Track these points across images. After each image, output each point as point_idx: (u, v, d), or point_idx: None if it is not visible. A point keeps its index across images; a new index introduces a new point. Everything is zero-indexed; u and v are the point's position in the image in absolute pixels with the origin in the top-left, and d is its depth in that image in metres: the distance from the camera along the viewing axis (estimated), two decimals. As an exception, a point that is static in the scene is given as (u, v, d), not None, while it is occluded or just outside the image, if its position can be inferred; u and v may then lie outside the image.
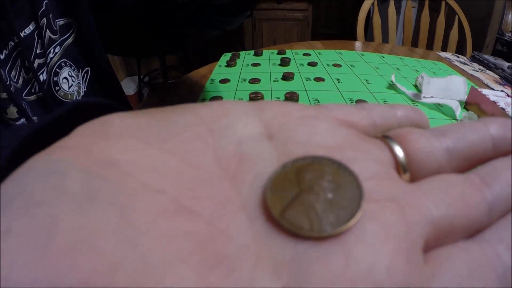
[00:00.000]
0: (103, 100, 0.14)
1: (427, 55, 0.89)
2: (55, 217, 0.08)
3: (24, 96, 0.40)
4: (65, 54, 0.44)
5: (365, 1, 1.20)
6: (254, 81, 0.60)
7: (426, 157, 0.13)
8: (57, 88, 0.43)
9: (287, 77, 0.61)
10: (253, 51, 0.77)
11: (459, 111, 0.52)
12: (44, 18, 0.41)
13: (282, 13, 2.57)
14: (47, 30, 0.42)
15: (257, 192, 0.11)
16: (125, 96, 0.55)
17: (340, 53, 0.78)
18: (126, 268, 0.08)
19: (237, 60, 0.71)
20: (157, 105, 0.13)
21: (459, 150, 0.13)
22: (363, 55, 0.78)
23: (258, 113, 0.13)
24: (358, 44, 0.97)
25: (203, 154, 0.11)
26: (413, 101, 0.55)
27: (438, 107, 0.54)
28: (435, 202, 0.11)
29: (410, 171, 0.13)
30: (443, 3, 1.22)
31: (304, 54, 0.76)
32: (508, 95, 0.55)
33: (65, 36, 0.44)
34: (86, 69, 0.46)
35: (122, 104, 0.52)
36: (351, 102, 0.53)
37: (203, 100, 0.54)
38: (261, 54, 0.75)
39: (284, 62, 0.69)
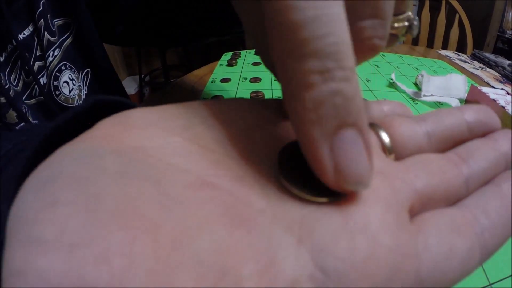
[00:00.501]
0: (121, 98, 0.15)
1: (428, 53, 0.89)
2: (99, 189, 0.09)
3: (24, 99, 0.40)
4: (65, 57, 0.43)
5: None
6: (255, 80, 0.60)
7: (408, 139, 0.14)
8: (57, 92, 0.42)
9: (287, 76, 0.61)
10: (254, 50, 0.77)
11: (459, 109, 0.52)
12: (42, 20, 0.41)
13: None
14: (45, 32, 0.41)
15: (268, 167, 0.13)
16: (127, 95, 0.55)
17: (340, 52, 0.78)
18: (167, 227, 0.09)
19: (238, 59, 0.71)
20: (159, 104, 0.14)
21: (437, 133, 0.15)
22: (363, 53, 0.78)
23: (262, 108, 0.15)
24: (358, 42, 0.97)
25: (218, 141, 0.13)
26: (413, 99, 0.56)
27: (438, 105, 0.54)
28: (417, 175, 0.13)
29: (394, 152, 0.14)
30: (444, 1, 1.22)
31: (305, 53, 0.76)
32: (508, 93, 0.55)
33: (64, 37, 0.43)
34: (86, 70, 0.46)
35: None
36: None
37: (205, 99, 0.55)
38: (262, 53, 0.76)
39: (285, 61, 0.69)
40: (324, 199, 0.11)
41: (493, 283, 0.27)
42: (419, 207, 0.13)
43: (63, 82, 0.43)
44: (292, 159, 0.12)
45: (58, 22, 0.43)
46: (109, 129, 0.12)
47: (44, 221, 0.09)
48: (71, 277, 0.08)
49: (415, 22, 0.15)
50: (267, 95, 0.54)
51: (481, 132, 0.15)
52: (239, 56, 0.74)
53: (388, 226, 0.11)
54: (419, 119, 0.15)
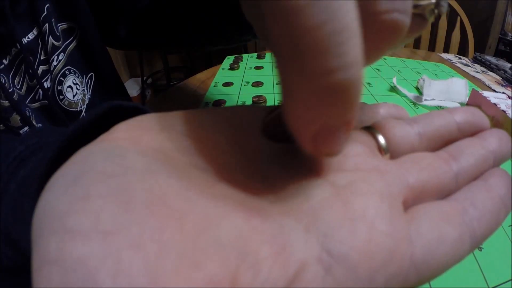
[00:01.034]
0: (135, 103, 0.16)
1: (429, 56, 0.89)
2: (128, 184, 0.10)
3: (28, 103, 0.40)
4: (69, 61, 0.43)
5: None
6: (257, 84, 0.61)
7: (401, 140, 0.16)
8: (61, 97, 0.42)
9: (289, 80, 0.61)
10: (256, 54, 0.78)
11: (460, 114, 0.52)
12: (47, 24, 0.41)
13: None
14: (50, 36, 0.42)
15: (274, 167, 0.14)
16: (130, 99, 0.55)
17: (342, 55, 0.79)
18: (192, 216, 0.10)
19: (240, 63, 0.72)
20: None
21: (428, 133, 0.16)
22: (365, 57, 0.79)
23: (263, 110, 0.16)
24: (360, 46, 0.97)
25: (230, 143, 0.14)
26: (414, 103, 0.56)
27: (440, 109, 0.55)
28: (410, 170, 0.14)
29: (389, 152, 0.16)
30: (445, 4, 1.23)
31: (307, 57, 0.77)
32: (509, 97, 0.55)
33: (68, 41, 0.43)
34: (90, 74, 0.46)
35: None
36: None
37: (207, 103, 0.55)
38: (264, 57, 0.76)
39: (287, 65, 0.69)
40: None
41: (493, 288, 0.28)
42: (412, 200, 0.14)
43: (67, 87, 0.43)
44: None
45: (62, 26, 0.43)
46: (127, 132, 0.13)
47: (78, 212, 0.09)
48: (108, 262, 0.08)
49: None
50: (269, 100, 0.55)
51: (471, 132, 0.16)
52: (241, 60, 0.74)
53: (383, 214, 0.12)
54: (412, 121, 0.16)
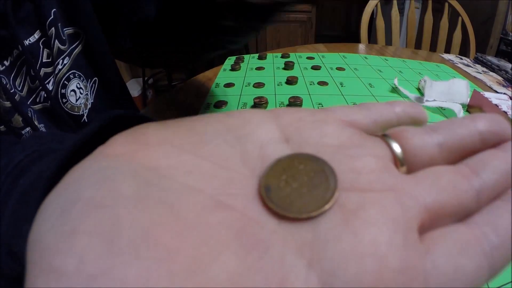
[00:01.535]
0: (135, 112, 0.15)
1: (430, 57, 0.89)
2: (115, 217, 0.10)
3: (30, 104, 0.40)
4: (74, 65, 0.44)
5: (368, 3, 1.20)
6: (259, 85, 0.61)
7: (420, 151, 0.14)
8: (64, 100, 0.43)
9: (291, 81, 0.62)
10: (257, 54, 0.78)
11: (461, 114, 0.52)
12: (53, 28, 0.41)
13: (286, 14, 2.58)
14: (56, 40, 0.42)
15: None
16: (135, 104, 0.55)
17: (343, 56, 0.79)
18: (181, 256, 0.10)
19: (241, 64, 0.72)
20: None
21: (449, 144, 0.15)
22: (366, 58, 0.79)
23: (274, 120, 0.15)
24: (361, 46, 0.97)
25: (232, 158, 0.13)
26: (415, 104, 0.56)
27: (441, 110, 0.55)
28: (428, 190, 0.13)
29: (406, 164, 0.14)
30: (447, 4, 1.23)
31: (308, 58, 0.77)
32: (510, 98, 0.55)
33: (74, 45, 0.44)
34: (94, 79, 0.46)
35: None
36: (354, 105, 0.54)
37: (208, 104, 0.55)
38: (265, 58, 0.76)
39: (288, 65, 0.69)
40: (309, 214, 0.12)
41: (494, 290, 0.28)
42: (429, 224, 0.13)
43: (71, 91, 0.43)
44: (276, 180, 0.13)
45: (68, 31, 0.43)
46: (122, 146, 0.13)
47: (64, 251, 0.09)
48: None
49: None
50: (271, 101, 0.55)
51: (493, 142, 0.15)
52: (243, 61, 0.74)
53: (396, 247, 0.11)
54: (431, 129, 0.15)
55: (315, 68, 0.70)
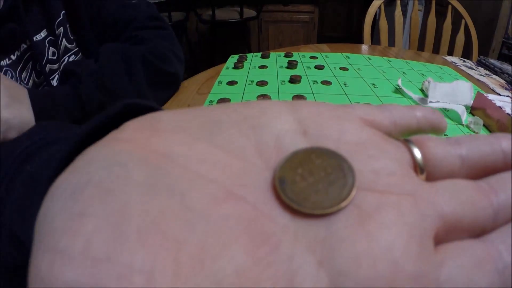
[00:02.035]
0: (149, 102, 0.15)
1: (433, 59, 0.89)
2: (125, 203, 0.10)
3: None
4: None
5: (371, 4, 1.20)
6: (262, 83, 0.61)
7: (441, 161, 0.14)
8: None
9: (294, 80, 0.61)
10: (260, 53, 0.78)
11: (465, 116, 0.52)
12: (61, 28, 0.43)
13: (289, 15, 2.58)
14: (64, 39, 0.44)
15: None
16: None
17: (347, 56, 0.79)
18: (189, 246, 0.09)
19: (244, 62, 0.72)
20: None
21: (471, 159, 0.14)
22: (369, 58, 0.79)
23: (293, 112, 0.15)
24: (364, 47, 0.97)
25: (247, 148, 0.13)
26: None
27: (444, 112, 0.55)
28: (446, 200, 0.13)
29: (425, 172, 0.14)
30: (450, 6, 1.22)
31: (311, 57, 0.77)
32: (514, 101, 0.55)
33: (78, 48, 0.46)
34: None
35: None
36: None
37: (211, 101, 0.55)
38: (268, 57, 0.76)
39: (291, 64, 0.69)
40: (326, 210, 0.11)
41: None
42: (443, 235, 0.12)
43: None
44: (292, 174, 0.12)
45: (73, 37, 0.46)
46: (136, 132, 0.12)
47: (71, 232, 0.09)
48: None
49: None
50: (274, 99, 0.55)
51: None
52: (246, 59, 0.74)
53: (411, 253, 0.11)
54: (454, 142, 0.15)
55: (319, 67, 0.70)
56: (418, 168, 0.14)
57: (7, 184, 0.17)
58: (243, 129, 0.13)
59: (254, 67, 0.69)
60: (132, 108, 0.15)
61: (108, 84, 0.41)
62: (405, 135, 0.16)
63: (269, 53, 0.78)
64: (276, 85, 0.60)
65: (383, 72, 0.70)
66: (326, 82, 0.62)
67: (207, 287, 0.09)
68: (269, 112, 0.14)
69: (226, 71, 0.68)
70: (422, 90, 0.62)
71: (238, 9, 2.10)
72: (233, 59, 0.75)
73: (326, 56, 0.78)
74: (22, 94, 0.35)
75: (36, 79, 0.42)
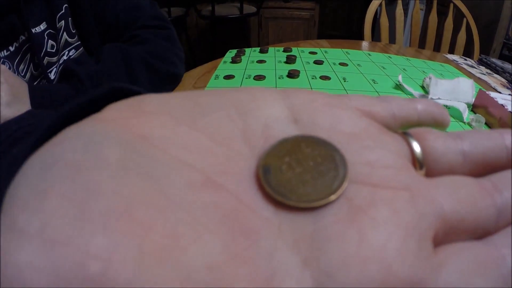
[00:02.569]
0: (136, 87, 0.14)
1: (434, 57, 0.88)
2: (94, 183, 0.09)
3: None
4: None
5: (372, 2, 1.19)
6: (259, 78, 0.59)
7: (441, 156, 0.13)
8: None
9: (292, 74, 0.60)
10: (259, 48, 0.77)
11: (466, 114, 0.51)
12: (63, 21, 0.43)
13: (289, 12, 2.56)
14: (64, 33, 0.44)
15: None
16: None
17: (346, 52, 0.78)
18: (155, 234, 0.08)
19: (242, 57, 0.71)
20: None
21: (474, 155, 0.13)
22: (369, 54, 0.78)
23: (284, 99, 0.14)
24: (365, 43, 0.96)
25: (232, 134, 0.12)
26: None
27: (446, 108, 0.53)
28: (447, 198, 0.12)
29: (425, 167, 0.13)
30: (451, 5, 1.21)
31: (310, 52, 0.76)
32: (516, 99, 0.54)
33: (79, 42, 0.47)
34: None
35: None
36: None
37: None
38: (266, 51, 0.75)
39: (290, 59, 0.68)
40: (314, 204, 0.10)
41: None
42: (443, 236, 0.11)
43: None
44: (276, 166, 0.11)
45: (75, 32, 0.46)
46: (118, 112, 0.11)
47: (30, 211, 0.08)
48: (44, 277, 0.08)
49: None
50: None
51: None
52: (244, 54, 0.73)
53: (407, 255, 0.10)
54: (456, 136, 0.14)
55: (318, 62, 0.69)
56: (417, 162, 0.13)
57: None
58: (231, 114, 0.12)
59: (252, 62, 0.68)
60: (121, 93, 0.14)
61: None
62: (404, 129, 0.15)
63: (268, 48, 0.77)
64: (274, 80, 0.59)
65: (383, 68, 0.69)
66: (325, 77, 0.61)
67: (172, 281, 0.08)
68: (259, 97, 0.13)
69: (224, 65, 0.67)
70: (423, 87, 0.61)
71: (238, 5, 2.09)
72: (231, 53, 0.74)
73: (325, 52, 0.77)
74: (24, 92, 0.36)
75: (34, 72, 0.42)
